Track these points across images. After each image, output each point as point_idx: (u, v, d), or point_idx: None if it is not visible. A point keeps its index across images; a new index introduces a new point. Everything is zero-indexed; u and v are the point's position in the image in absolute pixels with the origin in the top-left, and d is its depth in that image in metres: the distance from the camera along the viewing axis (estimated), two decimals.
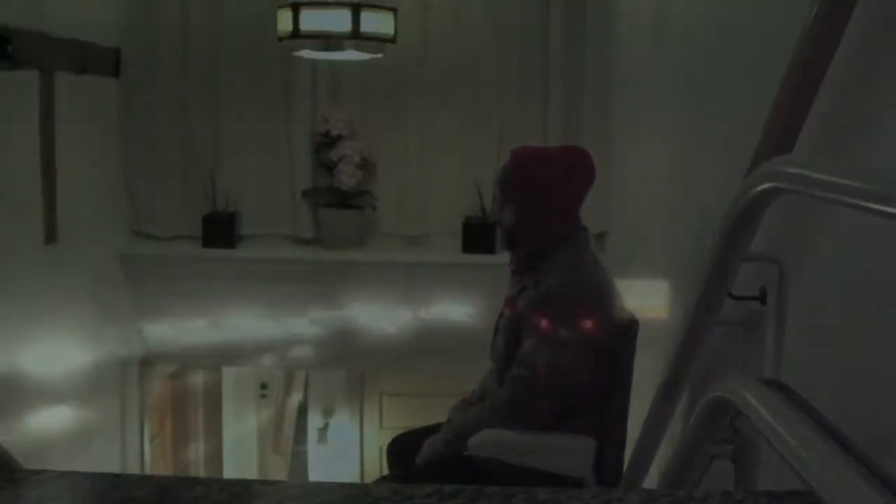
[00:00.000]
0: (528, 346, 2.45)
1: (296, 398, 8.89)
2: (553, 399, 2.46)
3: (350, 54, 3.52)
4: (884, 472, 0.88)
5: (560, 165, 2.52)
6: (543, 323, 2.43)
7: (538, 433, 2.48)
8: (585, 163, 2.53)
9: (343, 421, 8.49)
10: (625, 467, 2.39)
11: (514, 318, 2.52)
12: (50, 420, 3.38)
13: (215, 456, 6.79)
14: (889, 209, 0.87)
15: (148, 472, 4.47)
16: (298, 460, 8.88)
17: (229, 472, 6.85)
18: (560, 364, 2.41)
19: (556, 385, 2.44)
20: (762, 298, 1.86)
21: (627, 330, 2.51)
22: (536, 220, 2.50)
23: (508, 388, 2.50)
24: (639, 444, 2.13)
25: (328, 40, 3.40)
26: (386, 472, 2.86)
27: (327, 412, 8.63)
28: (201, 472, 6.33)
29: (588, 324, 2.44)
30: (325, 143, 4.18)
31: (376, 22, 3.40)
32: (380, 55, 3.57)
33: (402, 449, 2.71)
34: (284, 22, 3.35)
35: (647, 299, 2.82)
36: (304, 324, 4.21)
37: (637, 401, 2.43)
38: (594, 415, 2.49)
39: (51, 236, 3.41)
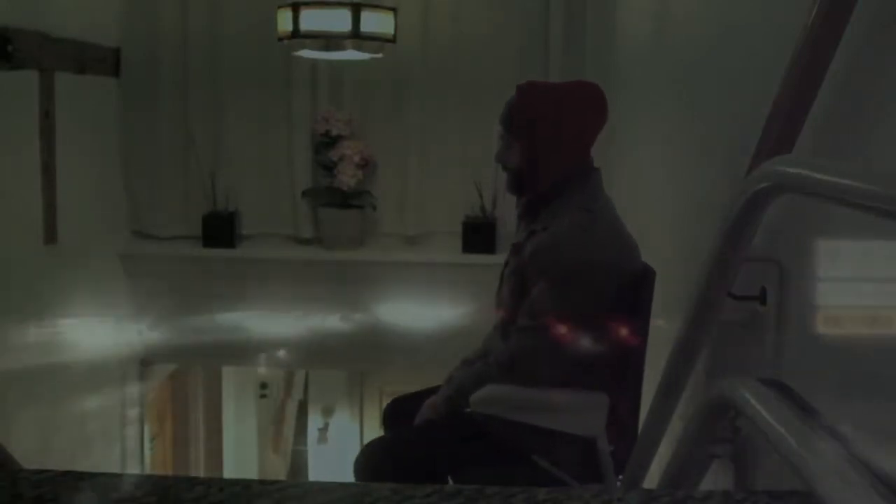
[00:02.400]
0: (536, 294, 2.25)
1: (296, 398, 8.89)
2: (563, 351, 2.24)
3: (350, 54, 3.52)
4: (884, 472, 0.88)
5: (571, 99, 2.34)
6: (553, 267, 2.24)
7: (546, 388, 2.28)
8: (597, 97, 2.34)
9: (343, 421, 8.50)
10: (640, 427, 2.21)
11: (522, 264, 2.32)
12: (50, 420, 3.39)
13: (215, 456, 6.79)
14: (889, 209, 0.87)
15: (148, 472, 4.47)
16: (298, 460, 8.89)
17: (229, 472, 6.86)
18: (571, 312, 2.22)
19: (566, 336, 2.23)
20: (762, 298, 1.87)
21: (644, 277, 2.31)
22: (546, 158, 2.31)
23: (514, 340, 2.31)
24: (639, 443, 2.13)
25: (328, 40, 3.40)
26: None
27: (327, 412, 8.64)
28: (201, 472, 6.33)
29: (602, 268, 2.24)
30: (325, 143, 4.18)
31: (376, 22, 3.40)
32: (380, 55, 3.57)
33: (400, 411, 2.57)
34: (284, 22, 3.35)
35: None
36: (304, 324, 4.21)
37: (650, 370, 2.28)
38: (607, 369, 2.27)
39: (51, 236, 3.41)
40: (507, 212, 2.47)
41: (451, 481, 2.26)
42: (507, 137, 2.36)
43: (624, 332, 2.26)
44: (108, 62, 4.04)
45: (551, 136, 2.29)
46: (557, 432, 2.25)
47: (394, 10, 3.53)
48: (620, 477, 2.25)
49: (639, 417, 2.26)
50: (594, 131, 2.36)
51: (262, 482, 1.15)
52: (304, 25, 3.32)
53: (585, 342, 2.23)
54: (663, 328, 2.21)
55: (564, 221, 2.26)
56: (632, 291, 2.27)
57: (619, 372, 2.30)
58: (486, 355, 2.41)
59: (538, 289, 2.25)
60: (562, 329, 2.22)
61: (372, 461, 2.32)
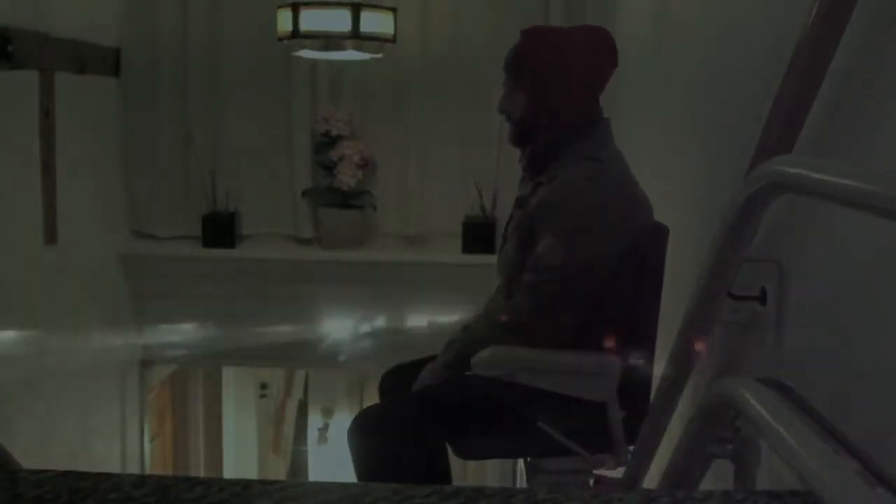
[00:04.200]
0: (542, 248, 2.09)
1: (296, 398, 8.89)
2: (572, 308, 2.10)
3: (350, 54, 3.52)
4: (884, 472, 0.88)
5: (578, 43, 2.20)
6: (561, 219, 2.09)
7: (553, 349, 2.13)
8: (606, 41, 2.20)
9: (343, 421, 8.48)
10: (652, 393, 2.09)
11: (527, 217, 2.16)
12: (50, 420, 3.39)
13: (215, 456, 6.79)
14: (889, 209, 0.87)
15: (148, 472, 4.47)
16: (298, 460, 8.89)
17: (229, 472, 6.86)
18: (580, 267, 2.07)
19: (576, 291, 2.09)
20: (762, 298, 1.87)
21: (656, 234, 2.17)
22: (552, 106, 2.17)
23: (519, 297, 2.15)
24: (639, 443, 2.13)
25: (328, 40, 3.40)
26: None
27: (327, 412, 8.64)
28: (201, 472, 6.33)
29: (612, 220, 2.09)
30: (325, 143, 4.18)
31: (376, 22, 3.41)
32: (380, 55, 3.58)
33: (396, 381, 2.38)
34: (284, 22, 3.36)
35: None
36: (304, 324, 4.21)
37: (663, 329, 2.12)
38: (618, 329, 2.13)
39: (51, 236, 3.41)
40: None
41: (449, 450, 2.14)
42: (511, 85, 2.23)
43: (636, 290, 2.13)
44: (108, 62, 4.04)
45: (557, 82, 2.16)
46: (565, 397, 2.10)
47: (394, 10, 3.53)
48: (631, 448, 2.14)
49: (651, 382, 2.13)
50: (603, 77, 2.21)
51: (262, 482, 1.15)
52: (304, 25, 3.32)
53: (595, 299, 2.10)
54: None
55: (572, 171, 2.12)
56: (644, 247, 2.14)
57: (631, 333, 2.14)
58: (489, 317, 2.27)
59: (544, 243, 2.09)
60: (570, 285, 2.08)
61: (365, 428, 2.16)
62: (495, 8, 4.18)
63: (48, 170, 3.38)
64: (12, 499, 1.08)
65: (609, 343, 2.12)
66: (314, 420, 8.77)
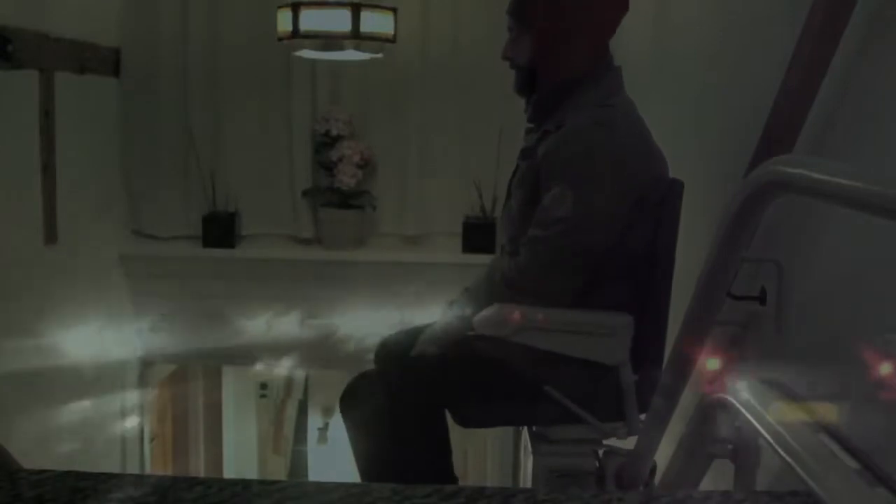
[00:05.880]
0: (549, 200, 1.95)
1: (296, 398, 8.89)
2: (581, 263, 1.96)
3: (350, 54, 3.52)
4: (884, 472, 0.88)
5: None
6: (569, 168, 1.94)
7: (562, 308, 1.98)
8: None
9: (343, 421, 8.48)
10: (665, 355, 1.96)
11: (533, 168, 2.03)
12: (50, 420, 3.38)
13: (215, 456, 6.79)
14: (889, 209, 0.87)
15: (148, 472, 4.47)
16: (298, 460, 8.88)
17: (229, 471, 6.85)
18: (590, 218, 1.93)
19: (586, 245, 1.95)
20: (762, 298, 1.87)
21: (671, 187, 2.03)
22: (559, 50, 2.05)
23: (524, 252, 1.99)
24: (639, 443, 2.12)
25: (328, 40, 3.40)
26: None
27: (327, 412, 8.63)
28: (201, 472, 6.33)
29: (624, 169, 1.95)
30: (325, 143, 4.18)
31: (376, 22, 3.41)
32: (380, 55, 3.58)
33: (392, 351, 2.20)
34: (284, 22, 3.36)
35: None
36: (303, 324, 4.21)
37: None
38: (631, 286, 1.99)
39: (51, 236, 3.41)
40: None
41: (448, 418, 2.03)
42: (516, 29, 2.11)
43: (650, 242, 1.99)
44: (108, 62, 4.04)
45: (564, 25, 2.05)
46: (573, 359, 1.96)
47: (394, 10, 3.53)
48: (643, 416, 1.99)
49: (665, 345, 1.99)
50: (612, 21, 2.09)
51: (262, 482, 1.15)
52: (304, 25, 3.32)
53: (606, 253, 1.97)
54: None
55: (581, 117, 1.98)
56: (658, 200, 2.00)
57: (644, 291, 2.00)
58: (492, 276, 2.13)
59: (552, 193, 1.95)
60: (579, 238, 1.95)
61: (357, 394, 2.08)
62: (495, 8, 4.16)
63: (48, 170, 3.38)
64: (12, 499, 1.08)
65: (620, 301, 1.99)
66: (314, 420, 8.76)
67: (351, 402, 2.12)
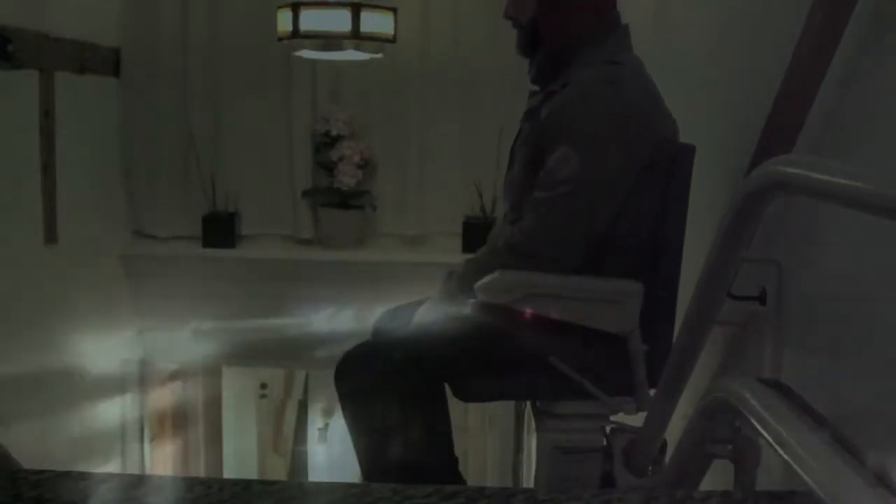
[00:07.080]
0: (554, 161, 1.86)
1: (296, 398, 8.88)
2: (587, 227, 1.88)
3: (350, 54, 3.52)
4: (884, 472, 0.88)
5: None
6: (575, 127, 1.86)
7: (567, 274, 1.88)
8: None
9: (343, 421, 8.47)
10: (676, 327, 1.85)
11: (537, 129, 1.95)
12: (50, 420, 3.38)
13: (215, 456, 6.79)
14: (889, 208, 0.87)
15: (148, 472, 4.47)
16: (298, 460, 8.88)
17: (229, 472, 6.85)
18: (597, 180, 1.84)
19: (592, 208, 1.86)
20: (762, 298, 1.87)
21: (682, 151, 1.95)
22: (562, 6, 1.96)
23: (528, 217, 1.90)
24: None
25: (328, 40, 3.40)
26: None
27: (327, 412, 8.63)
28: (201, 472, 6.33)
29: (633, 128, 1.86)
30: (325, 143, 4.18)
31: (376, 22, 3.41)
32: (380, 55, 3.58)
33: (391, 322, 2.15)
34: (284, 22, 3.36)
35: None
36: (303, 324, 4.21)
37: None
38: (641, 252, 1.91)
39: (51, 236, 3.41)
40: None
41: (448, 391, 1.94)
42: None
43: (659, 208, 1.91)
44: (108, 62, 4.04)
45: None
46: (580, 328, 1.86)
47: (394, 10, 3.53)
48: (653, 391, 1.89)
49: (675, 314, 1.91)
50: None
51: (262, 482, 1.16)
52: (304, 25, 3.32)
53: (614, 218, 1.88)
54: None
55: (587, 74, 1.90)
56: (668, 163, 1.91)
57: (654, 257, 1.92)
58: (494, 243, 2.04)
59: (556, 155, 1.86)
60: (585, 200, 1.86)
61: (352, 366, 2.01)
62: (495, 8, 4.17)
63: (48, 170, 3.38)
64: (12, 499, 1.08)
65: (628, 268, 1.91)
66: (314, 420, 8.75)
67: (344, 373, 2.04)
